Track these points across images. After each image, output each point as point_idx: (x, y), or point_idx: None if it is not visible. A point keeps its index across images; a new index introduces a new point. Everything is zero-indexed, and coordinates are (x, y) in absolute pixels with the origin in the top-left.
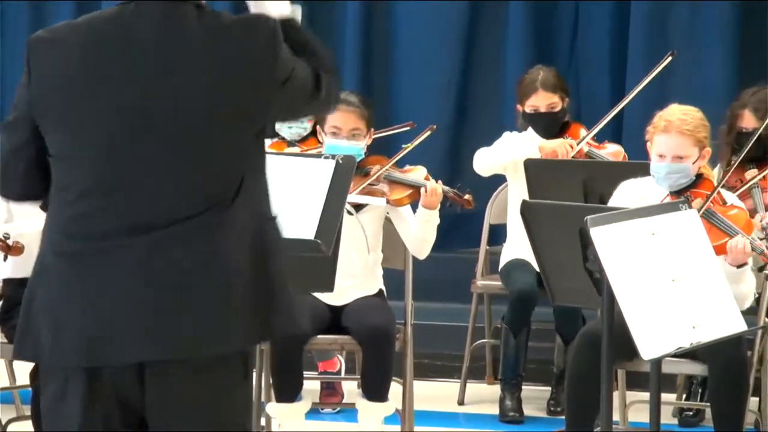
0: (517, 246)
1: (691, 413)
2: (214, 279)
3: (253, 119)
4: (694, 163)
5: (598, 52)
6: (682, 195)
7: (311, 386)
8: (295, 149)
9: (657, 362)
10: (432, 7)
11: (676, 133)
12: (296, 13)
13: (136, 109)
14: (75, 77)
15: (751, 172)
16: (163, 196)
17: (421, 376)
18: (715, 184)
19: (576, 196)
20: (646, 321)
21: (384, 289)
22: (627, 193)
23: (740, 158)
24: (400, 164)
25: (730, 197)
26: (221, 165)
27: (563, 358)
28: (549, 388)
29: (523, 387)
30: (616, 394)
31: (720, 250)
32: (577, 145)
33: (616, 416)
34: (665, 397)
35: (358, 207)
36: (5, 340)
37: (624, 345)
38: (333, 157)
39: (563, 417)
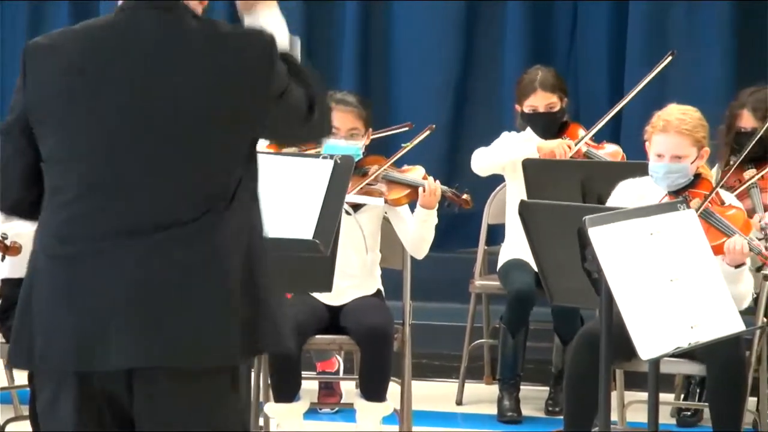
0: (516, 246)
1: (689, 413)
2: (210, 288)
3: (251, 125)
4: (692, 162)
5: (597, 52)
6: (680, 195)
7: (309, 386)
8: (293, 149)
9: (655, 362)
10: (430, 7)
11: (675, 133)
12: (295, 44)
13: (136, 109)
14: (75, 80)
15: (750, 172)
16: (163, 197)
17: (419, 376)
18: (714, 183)
19: (574, 196)
20: (644, 321)
21: (382, 289)
22: (625, 193)
23: (741, 158)
24: (398, 164)
25: (729, 197)
26: (220, 166)
27: (561, 358)
28: (547, 388)
29: (522, 387)
30: (614, 394)
31: (718, 250)
32: (575, 145)
33: (614, 416)
34: (663, 397)
35: (357, 207)
36: (3, 340)
37: (622, 345)
38: (331, 157)
39: (561, 417)
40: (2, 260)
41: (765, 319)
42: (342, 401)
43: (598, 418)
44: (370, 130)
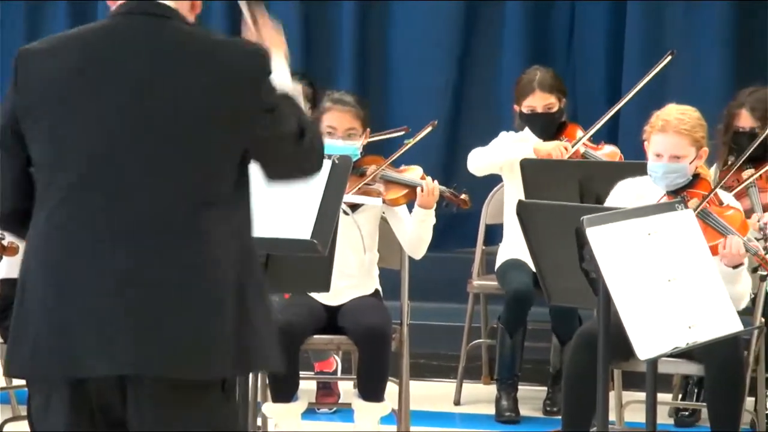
0: (514, 246)
1: (687, 413)
2: (203, 298)
3: (246, 127)
4: (691, 162)
5: (595, 52)
6: (678, 195)
7: (307, 386)
8: None
9: (653, 362)
10: (428, 7)
11: (674, 133)
12: (297, 90)
13: (133, 111)
14: (71, 83)
15: (748, 172)
16: (158, 201)
17: (417, 376)
18: (712, 183)
19: (572, 196)
20: (642, 321)
21: (380, 289)
22: (624, 193)
23: (742, 160)
24: (396, 164)
25: (727, 198)
26: (216, 168)
27: (559, 358)
28: (545, 388)
29: (520, 387)
30: (612, 394)
31: (716, 250)
32: (572, 147)
33: (612, 416)
34: (661, 397)
35: (354, 207)
36: (1, 340)
37: (620, 345)
38: (329, 157)
39: (559, 417)
40: None
41: (762, 320)
42: (340, 401)
43: (596, 418)
44: (368, 130)
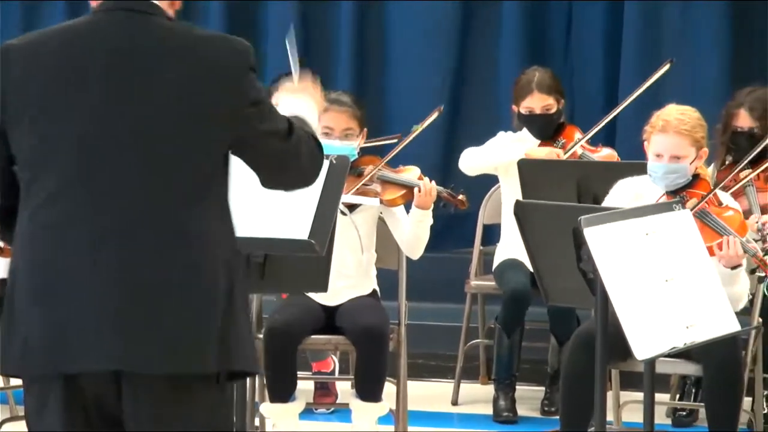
0: (511, 246)
1: (684, 413)
2: (193, 294)
3: (230, 128)
4: (691, 163)
5: (592, 52)
6: (678, 195)
7: (305, 386)
8: None
9: (651, 362)
10: (426, 7)
11: (674, 133)
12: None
13: (115, 110)
14: (52, 81)
15: (746, 172)
16: (143, 198)
17: (414, 376)
18: (710, 182)
19: (570, 196)
20: (639, 321)
21: (378, 289)
22: (622, 192)
23: (744, 162)
24: (393, 164)
25: (726, 198)
26: (204, 163)
27: (557, 358)
28: (543, 388)
29: (517, 387)
30: (610, 394)
31: (712, 252)
32: (564, 153)
33: (610, 416)
34: (659, 397)
35: (352, 207)
36: None
37: (618, 345)
38: (326, 157)
39: (557, 417)
40: None
41: (760, 320)
42: (337, 401)
43: (594, 418)
44: (365, 130)
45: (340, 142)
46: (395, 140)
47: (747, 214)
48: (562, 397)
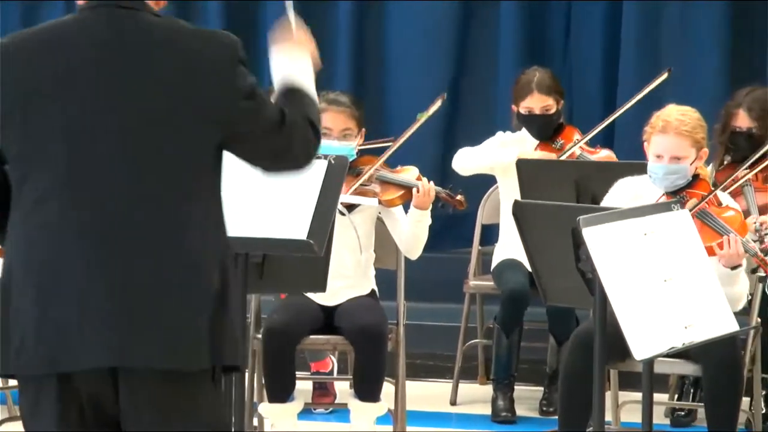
0: (509, 246)
1: (683, 413)
2: (188, 292)
3: (219, 121)
4: (691, 163)
5: (591, 52)
6: (677, 195)
7: (303, 386)
8: None
9: (649, 362)
10: (424, 7)
11: (674, 134)
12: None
13: (111, 104)
14: (45, 79)
15: (744, 171)
16: (135, 195)
17: (413, 377)
18: (710, 182)
19: (568, 196)
20: (638, 321)
21: (376, 289)
22: (622, 192)
23: (747, 164)
24: (392, 165)
25: (726, 198)
26: (198, 158)
27: (556, 358)
28: (541, 389)
29: (516, 387)
30: (608, 395)
31: (713, 251)
32: (562, 154)
33: (608, 416)
34: (657, 397)
35: (350, 207)
36: None
37: (616, 345)
38: (325, 157)
39: (556, 417)
40: None
41: (758, 320)
42: (336, 401)
43: (593, 418)
44: (364, 130)
45: (339, 142)
46: (389, 143)
47: (745, 214)
48: (560, 397)
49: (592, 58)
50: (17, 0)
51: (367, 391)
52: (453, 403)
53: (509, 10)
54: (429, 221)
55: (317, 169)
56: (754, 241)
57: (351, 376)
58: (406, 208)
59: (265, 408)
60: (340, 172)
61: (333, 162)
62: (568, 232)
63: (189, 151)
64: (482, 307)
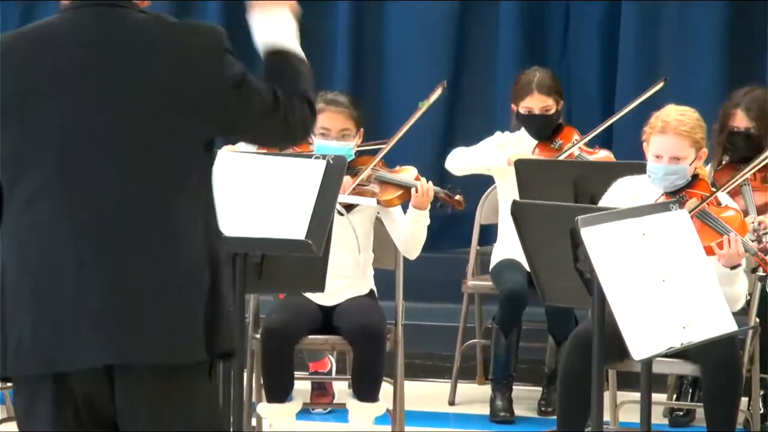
0: (508, 246)
1: (681, 413)
2: (181, 287)
3: (209, 115)
4: (691, 164)
5: (589, 52)
6: (677, 195)
7: (302, 386)
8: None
9: (648, 362)
10: (423, 7)
11: (674, 134)
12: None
13: (101, 103)
14: (36, 79)
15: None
16: (127, 192)
17: (411, 377)
18: (708, 182)
19: (566, 196)
20: (636, 321)
21: (375, 289)
22: (621, 191)
23: (749, 167)
24: (390, 164)
25: (725, 198)
26: (189, 154)
27: (555, 358)
28: (540, 389)
29: (514, 387)
30: (607, 395)
31: (712, 251)
32: (560, 155)
33: (607, 416)
34: (656, 397)
35: (349, 207)
36: None
37: (615, 345)
38: (324, 157)
39: (554, 417)
40: None
41: (757, 319)
42: (334, 401)
43: (591, 418)
44: (362, 130)
45: (337, 142)
46: (382, 145)
47: (743, 214)
48: (559, 397)
49: (591, 58)
50: (17, 0)
51: (366, 391)
52: (451, 403)
53: (508, 9)
54: (428, 221)
55: (316, 169)
56: (752, 241)
57: (349, 376)
58: (405, 208)
59: (264, 408)
60: (338, 172)
61: (331, 162)
62: (567, 232)
63: (179, 147)
64: (481, 307)
